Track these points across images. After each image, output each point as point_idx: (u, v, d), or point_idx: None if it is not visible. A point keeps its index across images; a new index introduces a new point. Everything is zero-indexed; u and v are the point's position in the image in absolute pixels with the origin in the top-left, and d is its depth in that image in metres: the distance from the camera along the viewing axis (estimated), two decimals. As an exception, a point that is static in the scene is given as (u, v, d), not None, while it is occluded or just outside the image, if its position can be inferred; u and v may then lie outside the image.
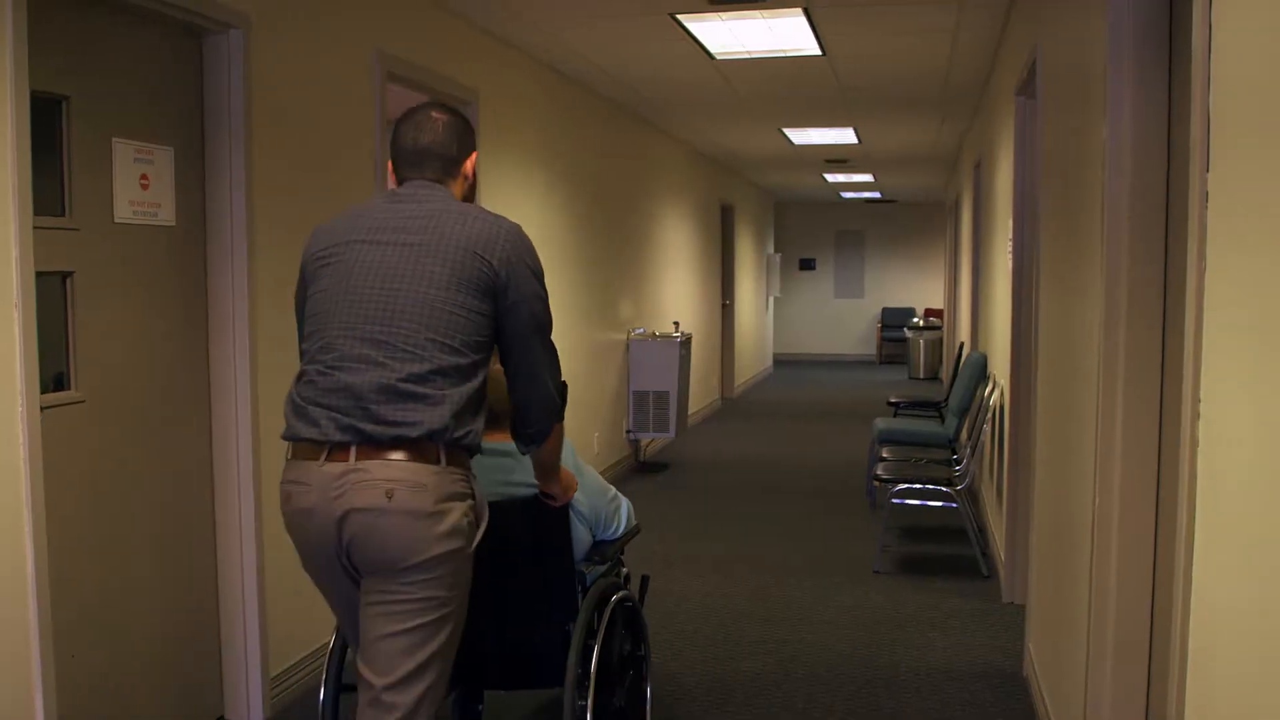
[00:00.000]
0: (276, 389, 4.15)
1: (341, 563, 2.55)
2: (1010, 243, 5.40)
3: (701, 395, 12.38)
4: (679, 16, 5.91)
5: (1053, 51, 4.07)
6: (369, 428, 2.47)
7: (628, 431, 9.23)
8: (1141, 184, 2.67)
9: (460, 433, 2.53)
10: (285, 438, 2.60)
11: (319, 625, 4.49)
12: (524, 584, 3.13)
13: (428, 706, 2.55)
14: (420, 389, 2.49)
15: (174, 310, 3.76)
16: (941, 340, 16.60)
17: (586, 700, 3.02)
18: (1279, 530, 1.46)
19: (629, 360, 9.24)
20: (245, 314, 3.93)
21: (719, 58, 7.02)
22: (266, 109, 4.06)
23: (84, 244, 3.34)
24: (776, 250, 19.77)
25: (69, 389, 3.32)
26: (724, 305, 14.37)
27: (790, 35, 6.36)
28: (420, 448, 2.49)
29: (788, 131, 10.60)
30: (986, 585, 5.82)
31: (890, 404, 9.62)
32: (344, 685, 3.02)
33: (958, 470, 6.49)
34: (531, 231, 6.94)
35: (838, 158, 12.81)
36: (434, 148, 2.74)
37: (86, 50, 3.35)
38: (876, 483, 6.57)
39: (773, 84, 8.04)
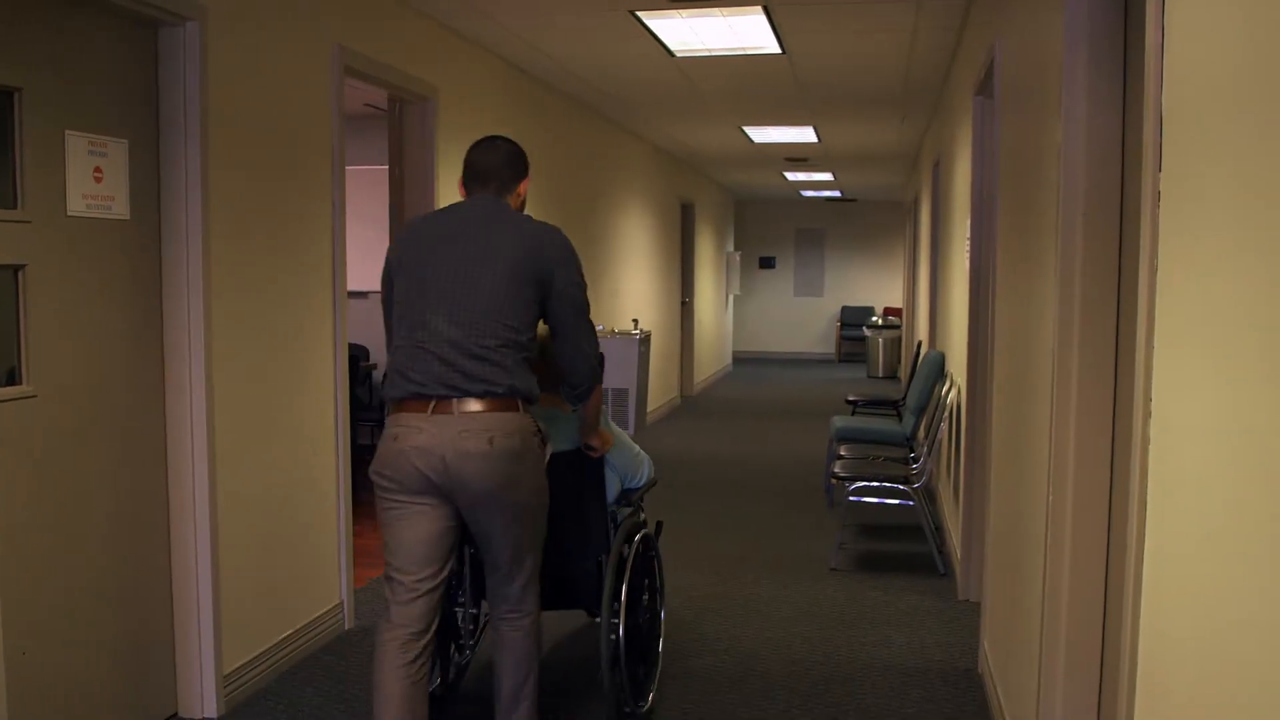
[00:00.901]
0: (232, 384, 4.12)
1: (439, 488, 3.23)
2: (968, 242, 5.44)
3: (661, 393, 12.39)
4: (639, 13, 5.91)
5: (1010, 51, 4.10)
6: (462, 383, 3.21)
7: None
8: (1096, 184, 2.69)
9: (526, 387, 3.31)
10: (392, 396, 3.29)
11: (273, 622, 4.46)
12: (569, 521, 3.86)
13: (533, 577, 3.49)
14: (493, 355, 3.23)
15: (128, 304, 3.72)
16: (900, 339, 16.69)
17: (620, 618, 3.80)
18: (1228, 526, 1.47)
19: (588, 357, 9.20)
20: (200, 308, 3.90)
21: (679, 55, 7.02)
22: (223, 102, 4.03)
23: (36, 237, 3.30)
24: (736, 248, 19.81)
25: (20, 384, 3.27)
26: (683, 303, 14.39)
27: (750, 33, 6.38)
28: (505, 401, 3.25)
29: (748, 129, 10.63)
30: (943, 583, 5.85)
31: (849, 402, 9.64)
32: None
33: (915, 468, 6.53)
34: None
35: (798, 156, 12.85)
36: (495, 169, 3.44)
37: (39, 42, 3.31)
38: (834, 481, 6.59)
39: (733, 82, 8.06)
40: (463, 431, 3.19)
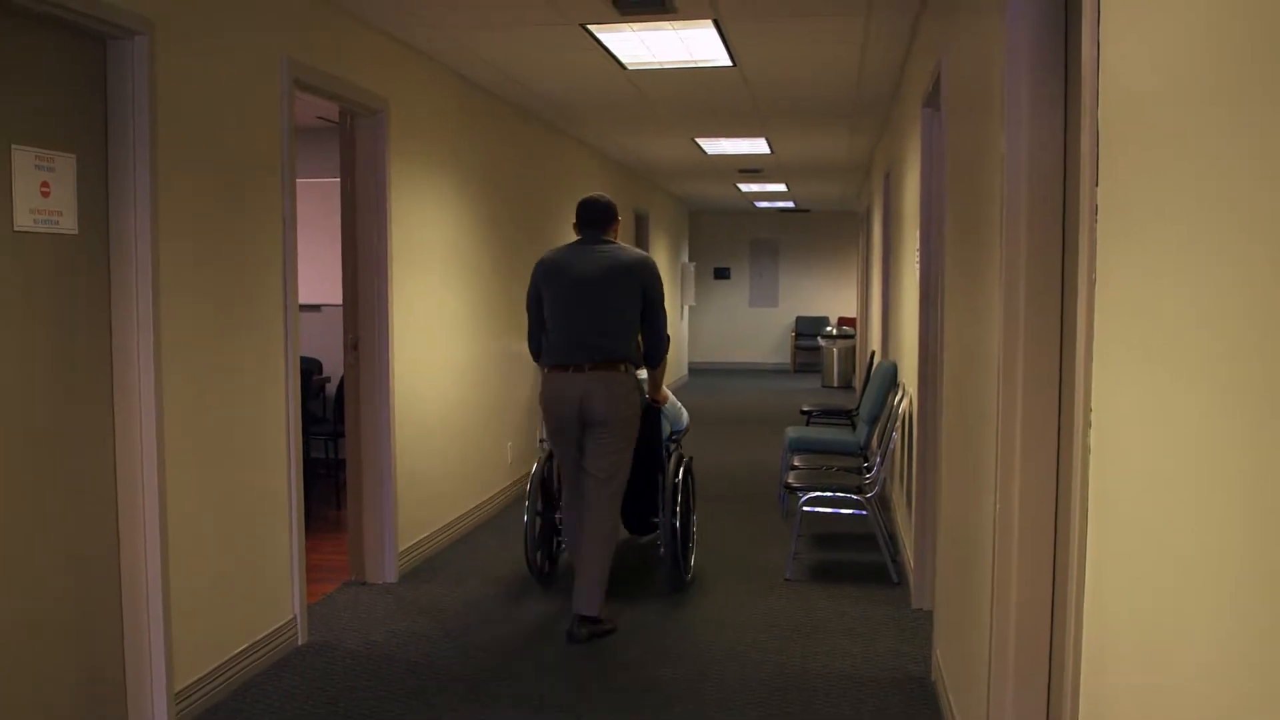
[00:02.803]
0: (182, 399, 4.09)
1: (579, 420, 5.16)
2: (918, 252, 5.49)
3: (616, 404, 12.35)
4: (590, 27, 5.93)
5: (955, 64, 4.15)
6: (593, 354, 5.11)
7: (541, 440, 9.20)
8: (1039, 194, 2.73)
9: (633, 356, 5.22)
10: (547, 363, 5.24)
11: (225, 638, 4.43)
12: (639, 450, 5.54)
13: (620, 490, 5.29)
14: (615, 333, 5.13)
15: (77, 320, 3.69)
16: (855, 349, 16.77)
17: (676, 517, 5.74)
18: (1166, 535, 1.50)
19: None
20: (150, 323, 3.87)
21: (631, 68, 7.05)
22: (172, 116, 4.01)
23: (-19, 253, 3.27)
24: (691, 259, 19.86)
25: (-35, 401, 3.24)
26: (639, 314, 14.37)
27: (701, 46, 6.41)
28: (618, 364, 5.15)
29: (701, 141, 10.67)
30: (896, 592, 5.89)
31: (803, 412, 9.69)
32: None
33: (868, 478, 6.56)
34: (440, 241, 6.89)
35: (751, 167, 12.91)
36: (600, 216, 5.32)
37: (-16, 55, 3.28)
38: (788, 491, 6.62)
39: (685, 94, 8.09)
40: (592, 381, 5.10)
